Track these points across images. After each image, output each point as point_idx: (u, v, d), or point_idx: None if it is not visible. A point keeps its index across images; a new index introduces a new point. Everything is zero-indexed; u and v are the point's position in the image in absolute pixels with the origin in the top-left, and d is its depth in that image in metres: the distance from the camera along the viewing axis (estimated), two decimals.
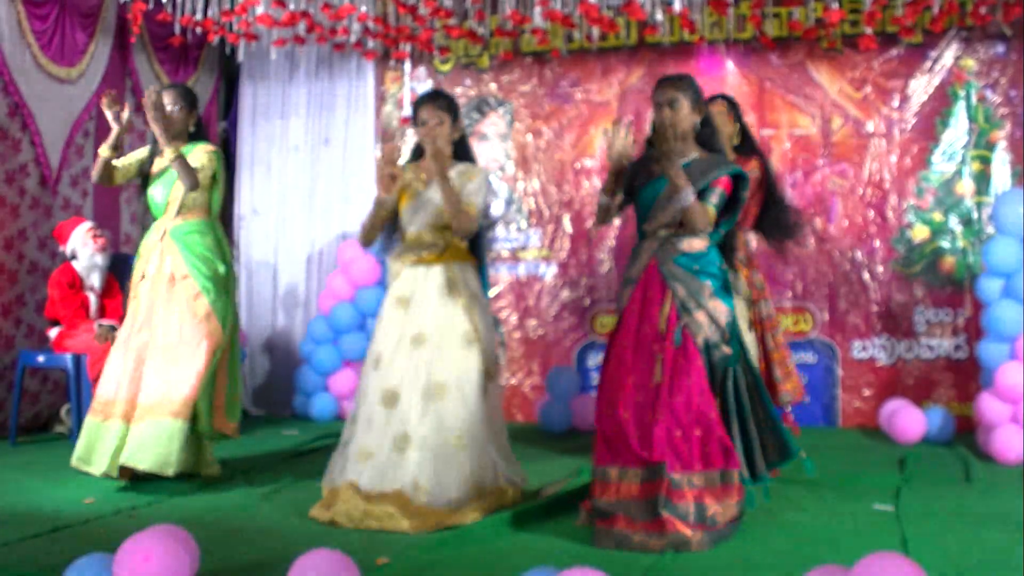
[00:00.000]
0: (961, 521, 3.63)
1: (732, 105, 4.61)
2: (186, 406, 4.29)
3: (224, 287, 4.54)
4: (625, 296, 3.64)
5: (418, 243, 3.90)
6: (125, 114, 4.54)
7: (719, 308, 3.48)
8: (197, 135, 4.66)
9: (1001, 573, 3.02)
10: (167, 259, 4.48)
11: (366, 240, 3.96)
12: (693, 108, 3.59)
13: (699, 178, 3.51)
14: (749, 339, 4.42)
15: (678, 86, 3.58)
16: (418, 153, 4.03)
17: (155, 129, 4.41)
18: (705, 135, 3.63)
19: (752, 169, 4.48)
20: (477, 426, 3.73)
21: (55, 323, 5.54)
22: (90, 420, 4.42)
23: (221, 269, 4.54)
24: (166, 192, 4.55)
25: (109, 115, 4.49)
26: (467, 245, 3.98)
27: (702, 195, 3.51)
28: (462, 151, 4.00)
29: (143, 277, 4.53)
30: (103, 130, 6.25)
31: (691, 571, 3.05)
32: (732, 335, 3.52)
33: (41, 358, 5.49)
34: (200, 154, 4.57)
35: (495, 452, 3.84)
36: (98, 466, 4.30)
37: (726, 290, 3.55)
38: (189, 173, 4.42)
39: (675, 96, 3.56)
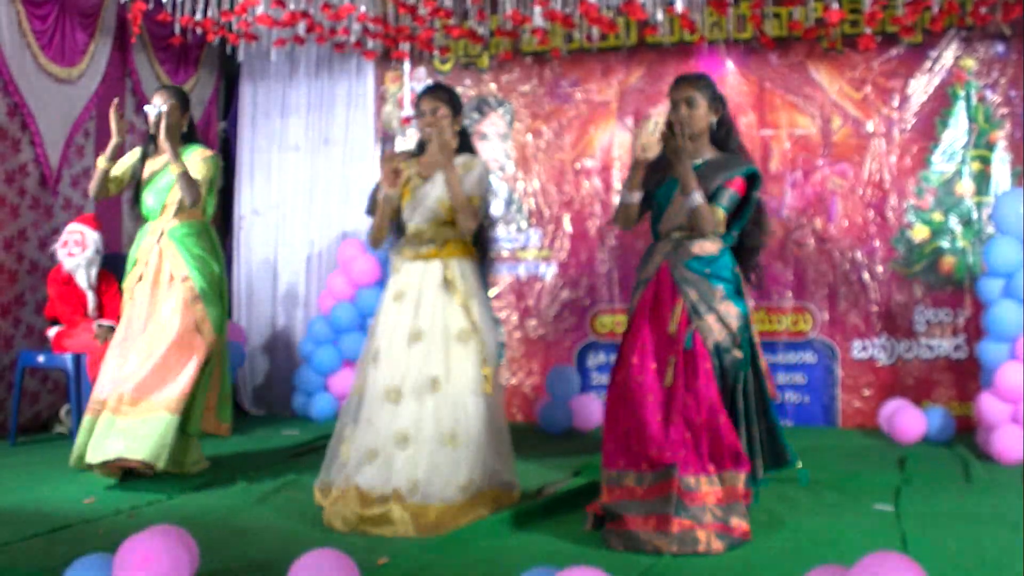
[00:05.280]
0: (961, 521, 3.63)
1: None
2: (180, 402, 4.35)
3: (218, 290, 4.60)
4: (636, 297, 3.61)
5: (418, 238, 3.90)
6: (124, 124, 4.55)
7: (731, 311, 3.46)
8: (190, 136, 4.70)
9: (1001, 573, 3.02)
10: (166, 261, 4.53)
11: (375, 241, 3.94)
12: (710, 107, 3.57)
13: (712, 177, 3.49)
14: None
15: (696, 84, 3.56)
16: (420, 148, 4.02)
17: (166, 147, 4.46)
18: (720, 135, 3.61)
19: None
20: (472, 423, 3.71)
21: (55, 323, 5.54)
22: (86, 419, 4.45)
23: (216, 271, 4.60)
24: (161, 196, 4.59)
25: (113, 124, 4.47)
26: (470, 240, 3.96)
27: (714, 196, 3.48)
28: (462, 144, 4.00)
29: (140, 279, 4.56)
30: (103, 130, 6.25)
31: (691, 571, 3.05)
32: (744, 339, 3.50)
33: (41, 358, 5.49)
34: (197, 160, 4.60)
35: (492, 453, 3.79)
36: (91, 456, 4.30)
37: (739, 294, 3.53)
38: (192, 190, 4.47)
39: (692, 94, 3.54)
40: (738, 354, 3.47)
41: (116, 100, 4.57)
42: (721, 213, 3.49)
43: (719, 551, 3.22)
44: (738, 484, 3.36)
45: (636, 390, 3.45)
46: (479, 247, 4.00)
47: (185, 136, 4.68)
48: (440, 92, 3.95)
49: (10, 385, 5.62)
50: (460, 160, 3.90)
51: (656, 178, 3.64)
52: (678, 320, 3.45)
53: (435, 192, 3.85)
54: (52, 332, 5.51)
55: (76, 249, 5.47)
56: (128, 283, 4.63)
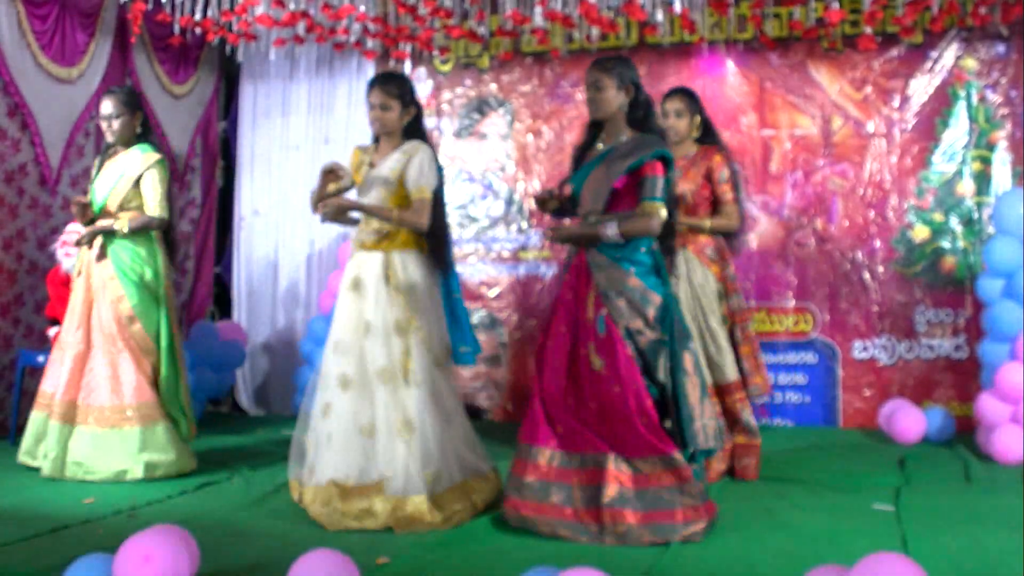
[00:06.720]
0: (961, 521, 3.63)
1: (691, 99, 4.63)
2: (140, 410, 4.45)
3: (151, 293, 4.62)
4: (560, 282, 3.69)
5: (366, 226, 3.92)
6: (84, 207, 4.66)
7: (646, 294, 3.47)
8: (144, 135, 4.76)
9: (1001, 573, 3.02)
10: (96, 258, 4.61)
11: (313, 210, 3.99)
12: (619, 88, 3.62)
13: (624, 158, 3.52)
14: (721, 332, 4.46)
15: (603, 67, 3.63)
16: (375, 140, 4.03)
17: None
18: (637, 116, 3.65)
19: (718, 164, 4.51)
20: (419, 414, 3.72)
21: (55, 323, 5.54)
22: (35, 414, 4.62)
23: (148, 274, 4.63)
24: (107, 191, 4.65)
25: (76, 212, 4.63)
26: (418, 234, 3.89)
27: (640, 186, 3.49)
28: (413, 130, 3.96)
29: (79, 274, 4.68)
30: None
31: (691, 571, 3.05)
32: (667, 317, 3.48)
33: (41, 358, 5.48)
34: (143, 160, 4.64)
35: (451, 443, 3.80)
36: (44, 467, 4.44)
37: (656, 274, 3.54)
38: (111, 231, 4.58)
39: (598, 77, 3.62)
40: (652, 335, 3.47)
41: (75, 204, 4.61)
42: (658, 205, 3.49)
43: (653, 543, 3.27)
44: (677, 466, 3.35)
45: (558, 376, 3.51)
46: (436, 244, 3.93)
47: (140, 135, 4.73)
48: (389, 86, 3.89)
49: (10, 385, 5.62)
50: (404, 148, 3.89)
51: (573, 166, 3.76)
52: (592, 305, 3.51)
53: (381, 179, 3.85)
54: (52, 332, 5.51)
55: (74, 250, 5.47)
56: (73, 277, 4.77)
